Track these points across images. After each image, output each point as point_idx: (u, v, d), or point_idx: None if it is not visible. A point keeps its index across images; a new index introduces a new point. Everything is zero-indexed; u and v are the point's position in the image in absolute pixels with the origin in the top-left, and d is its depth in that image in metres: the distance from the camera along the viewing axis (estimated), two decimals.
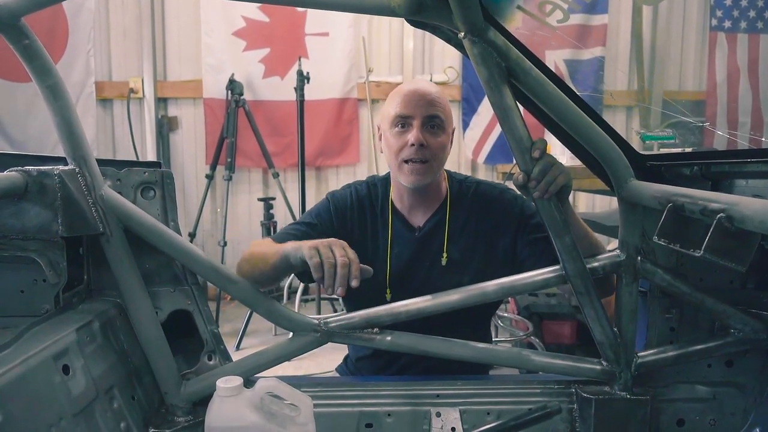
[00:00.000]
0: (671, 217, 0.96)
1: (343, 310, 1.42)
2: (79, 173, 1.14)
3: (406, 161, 1.38)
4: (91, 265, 1.25)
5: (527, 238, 1.44)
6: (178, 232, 1.27)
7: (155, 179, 1.27)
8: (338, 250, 1.09)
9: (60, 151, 1.17)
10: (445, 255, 1.45)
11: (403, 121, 1.39)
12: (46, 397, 0.95)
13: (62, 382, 1.00)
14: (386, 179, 1.54)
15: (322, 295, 3.90)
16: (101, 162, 1.21)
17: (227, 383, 1.01)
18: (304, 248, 1.11)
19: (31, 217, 1.08)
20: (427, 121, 1.38)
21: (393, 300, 1.37)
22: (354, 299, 1.47)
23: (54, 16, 4.23)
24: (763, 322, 1.18)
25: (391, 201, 1.50)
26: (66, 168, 1.13)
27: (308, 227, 1.46)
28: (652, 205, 1.04)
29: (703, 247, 0.85)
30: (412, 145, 1.36)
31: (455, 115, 4.68)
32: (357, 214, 1.50)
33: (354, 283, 1.07)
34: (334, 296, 1.14)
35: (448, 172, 1.56)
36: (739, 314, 1.18)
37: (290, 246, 1.18)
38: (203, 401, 1.25)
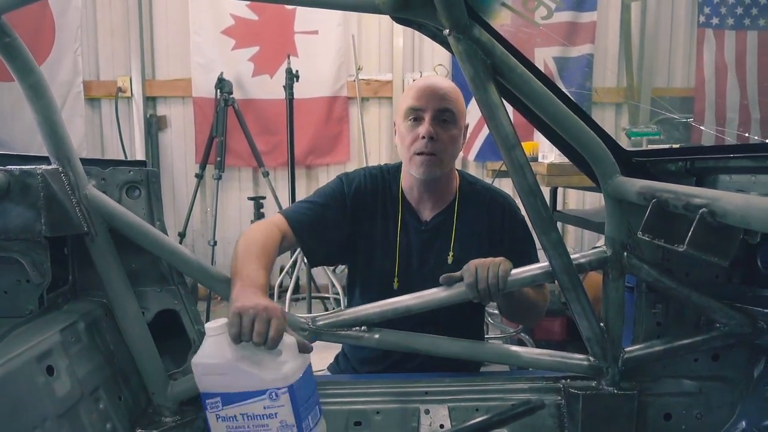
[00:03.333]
0: (656, 213, 0.97)
1: (334, 308, 1.44)
2: (62, 172, 1.13)
3: (418, 153, 1.41)
4: (76, 266, 1.24)
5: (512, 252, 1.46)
6: (165, 231, 1.26)
7: (140, 178, 1.26)
8: (258, 326, 0.97)
9: (46, 152, 1.16)
10: (451, 254, 1.47)
11: (415, 114, 1.41)
12: (30, 398, 0.94)
13: (46, 383, 0.98)
14: (398, 168, 1.55)
15: (313, 294, 3.90)
16: (85, 161, 1.20)
17: (214, 324, 0.99)
18: (231, 306, 1.01)
19: (13, 217, 1.07)
20: (438, 114, 1.39)
21: (400, 290, 1.41)
22: (363, 289, 1.54)
23: (40, 15, 4.18)
24: (747, 316, 1.19)
25: (402, 191, 1.52)
26: (49, 167, 1.12)
27: (322, 208, 1.45)
28: (637, 200, 1.04)
29: (686, 242, 0.85)
30: (423, 137, 1.39)
31: None
32: (370, 197, 1.51)
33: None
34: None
35: (460, 172, 1.58)
36: (725, 309, 1.19)
37: (236, 285, 1.10)
38: (191, 401, 1.25)
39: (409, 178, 1.50)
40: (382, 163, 1.60)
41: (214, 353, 0.98)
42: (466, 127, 1.50)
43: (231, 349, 0.98)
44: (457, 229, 1.49)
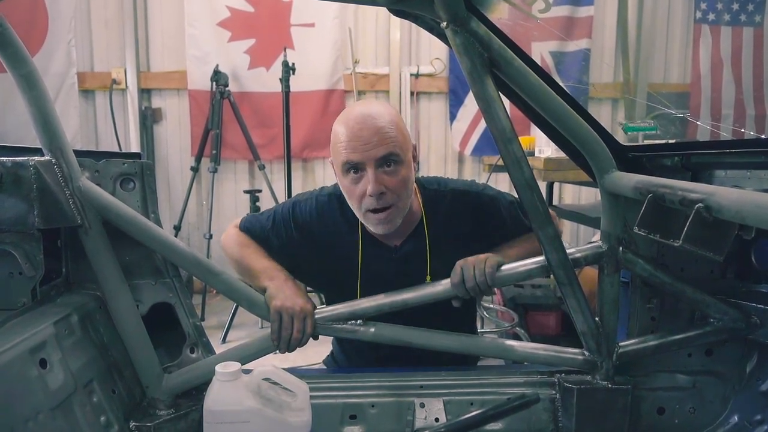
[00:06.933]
0: (652, 208, 0.97)
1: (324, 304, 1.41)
2: (55, 164, 1.12)
3: (370, 210, 1.27)
4: (69, 258, 1.23)
5: (503, 233, 1.42)
6: (159, 224, 1.26)
7: (135, 170, 1.25)
8: (297, 324, 1.21)
9: (39, 144, 1.14)
10: (429, 277, 1.37)
11: (355, 168, 1.26)
12: (23, 391, 0.94)
13: (39, 376, 0.98)
14: None
15: (308, 290, 3.89)
16: (79, 153, 1.19)
17: (226, 368, 1.02)
18: (272, 305, 1.23)
19: (6, 209, 1.06)
20: (381, 163, 1.24)
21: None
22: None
23: (33, 5, 4.14)
24: (741, 311, 1.19)
25: (361, 223, 1.37)
26: (42, 159, 1.11)
27: (268, 233, 1.43)
28: (633, 195, 1.04)
29: (681, 237, 0.85)
30: (371, 195, 1.25)
31: (442, 108, 4.68)
32: (318, 228, 1.42)
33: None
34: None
35: (419, 181, 1.45)
36: (719, 304, 1.19)
37: (270, 286, 1.28)
38: (185, 394, 1.25)
39: None
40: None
41: (231, 400, 0.97)
42: (414, 147, 1.35)
43: (250, 394, 0.97)
44: (431, 246, 1.39)
